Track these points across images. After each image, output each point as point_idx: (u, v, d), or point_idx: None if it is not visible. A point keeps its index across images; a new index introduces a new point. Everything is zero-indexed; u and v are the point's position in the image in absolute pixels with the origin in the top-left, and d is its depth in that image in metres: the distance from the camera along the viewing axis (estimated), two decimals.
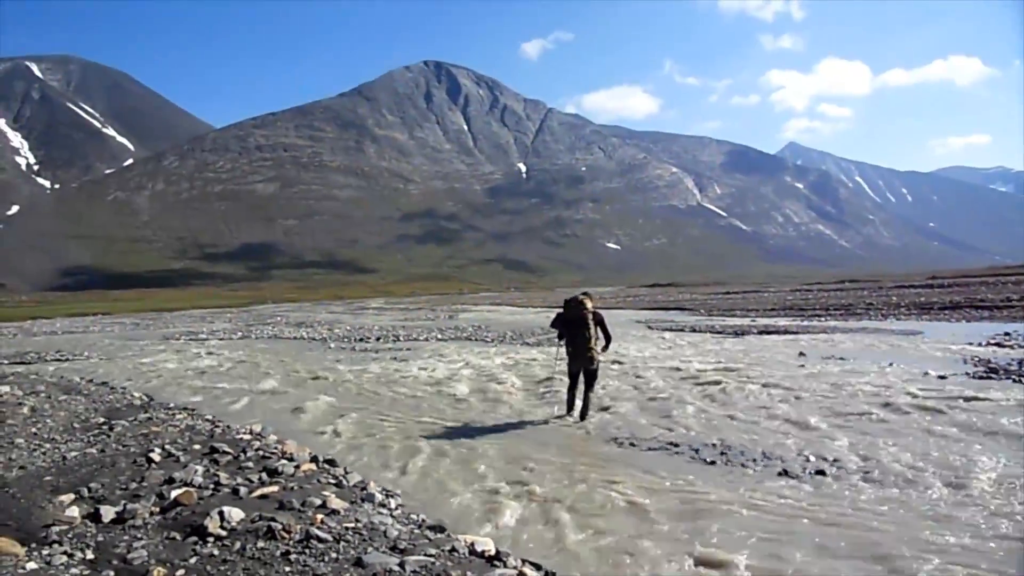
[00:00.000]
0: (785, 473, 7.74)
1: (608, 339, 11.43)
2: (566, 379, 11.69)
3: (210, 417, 11.41)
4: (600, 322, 11.21)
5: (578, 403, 11.33)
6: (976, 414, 10.13)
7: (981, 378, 13.50)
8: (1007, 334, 21.71)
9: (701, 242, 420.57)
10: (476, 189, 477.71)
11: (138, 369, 20.13)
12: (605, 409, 11.82)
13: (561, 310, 11.36)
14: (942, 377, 13.66)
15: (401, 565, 4.62)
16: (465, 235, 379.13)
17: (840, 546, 5.62)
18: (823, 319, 32.96)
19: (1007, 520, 6.05)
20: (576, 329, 11.04)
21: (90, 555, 4.87)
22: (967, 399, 11.18)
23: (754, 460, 8.33)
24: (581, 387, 11.35)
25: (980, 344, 19.28)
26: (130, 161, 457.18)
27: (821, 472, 7.71)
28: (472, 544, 5.36)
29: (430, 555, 4.92)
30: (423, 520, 6.23)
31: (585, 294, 11.45)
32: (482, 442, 9.67)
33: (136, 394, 14.14)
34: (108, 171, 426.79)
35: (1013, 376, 13.38)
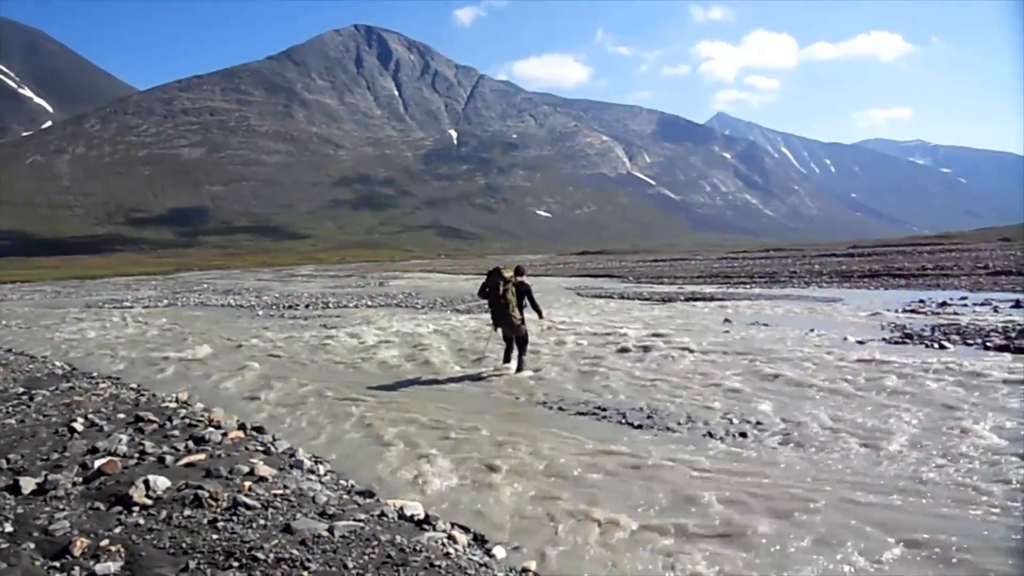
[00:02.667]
0: (710, 435, 7.95)
1: (536, 309, 12.37)
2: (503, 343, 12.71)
3: (135, 386, 11.23)
4: (526, 293, 12.19)
5: (513, 362, 12.38)
6: (892, 378, 10.51)
7: (897, 343, 14.01)
8: (922, 301, 22.53)
9: (630, 210, 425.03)
10: (407, 155, 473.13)
11: (60, 338, 19.60)
12: (535, 373, 12.00)
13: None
14: (861, 342, 14.12)
15: (330, 530, 4.63)
16: (396, 202, 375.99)
17: (758, 505, 5.81)
18: (748, 287, 33.68)
19: (916, 480, 6.33)
20: (493, 295, 12.03)
21: (9, 528, 4.76)
22: (884, 363, 11.60)
23: (679, 423, 8.53)
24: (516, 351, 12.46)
25: (897, 311, 19.96)
26: (49, 123, 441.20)
27: (744, 434, 7.94)
28: (401, 508, 5.40)
29: (359, 520, 4.94)
30: (352, 485, 6.25)
31: (518, 269, 12.49)
32: (412, 407, 9.70)
33: (57, 363, 13.81)
34: (26, 133, 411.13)
35: (926, 342, 13.91)
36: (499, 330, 12.43)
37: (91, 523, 4.83)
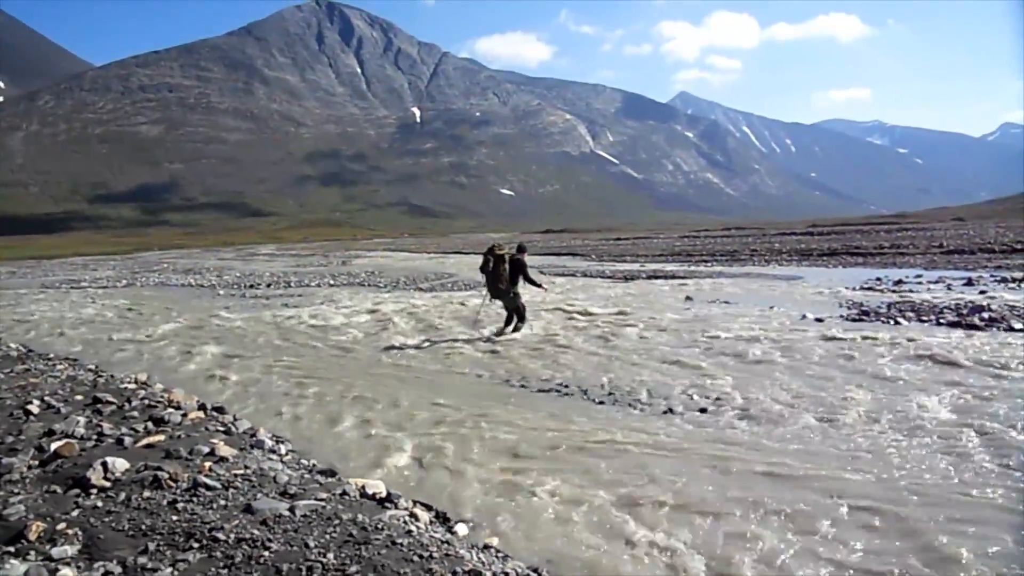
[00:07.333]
0: (670, 411, 8.04)
1: (534, 284, 14.36)
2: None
3: (93, 367, 11.06)
4: (520, 269, 13.75)
5: (510, 328, 13.88)
6: (849, 354, 10.70)
7: (854, 320, 14.23)
8: (879, 279, 22.94)
9: (593, 189, 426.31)
10: (370, 133, 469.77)
11: (14, 319, 19.21)
12: (495, 352, 12.04)
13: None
14: (819, 319, 14.32)
15: (291, 510, 4.62)
16: (359, 180, 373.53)
17: (715, 479, 5.90)
18: (709, 264, 34.02)
19: (869, 452, 6.47)
20: (488, 270, 13.55)
21: None
22: (841, 340, 11.79)
23: (640, 399, 8.62)
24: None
25: (854, 288, 20.27)
26: (0, 100, 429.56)
27: (704, 410, 8.05)
28: (363, 487, 5.40)
29: (321, 499, 4.94)
30: (314, 465, 6.24)
31: (520, 247, 14.37)
32: (374, 386, 9.68)
33: (12, 345, 13.52)
34: None
35: (883, 318, 14.15)
36: (495, 301, 14.27)
37: (47, 507, 4.77)
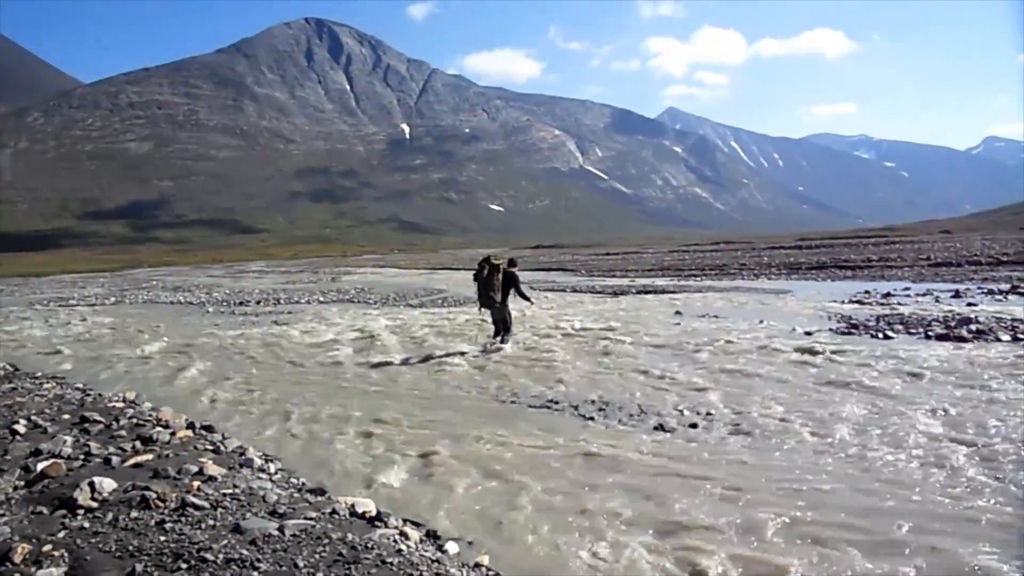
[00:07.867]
0: (661, 427, 8.02)
1: (524, 298, 14.56)
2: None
3: (80, 386, 11.01)
4: (512, 282, 14.13)
5: (499, 339, 14.17)
6: (839, 367, 10.74)
7: (843, 333, 14.29)
8: (867, 292, 23.04)
9: (583, 204, 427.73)
10: (359, 150, 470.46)
11: (1, 338, 19.09)
12: (485, 368, 12.00)
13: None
14: (808, 333, 14.36)
15: (280, 530, 4.59)
16: (348, 196, 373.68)
17: (706, 494, 5.89)
18: (699, 279, 34.11)
19: (864, 465, 6.47)
20: (481, 280, 13.84)
21: None
22: (831, 353, 11.82)
23: (631, 415, 8.60)
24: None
25: (843, 302, 20.36)
26: None
27: (694, 425, 8.04)
28: (352, 505, 5.38)
29: (310, 518, 4.90)
30: (303, 483, 6.21)
31: (511, 261, 14.62)
32: (364, 403, 9.63)
33: None
34: None
35: (871, 331, 14.20)
36: (483, 311, 14.49)
37: (33, 528, 4.72)
